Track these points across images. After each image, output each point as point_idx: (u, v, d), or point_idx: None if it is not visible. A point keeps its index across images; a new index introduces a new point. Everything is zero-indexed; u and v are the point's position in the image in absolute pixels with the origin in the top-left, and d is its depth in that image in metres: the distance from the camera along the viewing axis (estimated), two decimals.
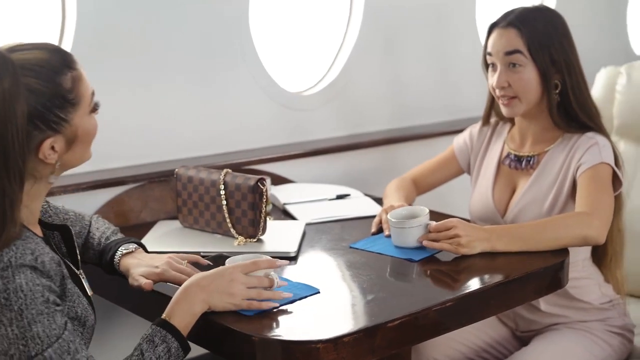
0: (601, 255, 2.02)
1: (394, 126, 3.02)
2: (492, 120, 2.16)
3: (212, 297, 1.42)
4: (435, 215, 1.87)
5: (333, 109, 2.83)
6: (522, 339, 2.06)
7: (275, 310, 1.48)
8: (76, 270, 1.47)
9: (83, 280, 1.48)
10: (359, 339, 1.38)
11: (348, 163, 2.79)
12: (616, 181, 1.91)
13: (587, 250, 2.00)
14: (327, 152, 2.72)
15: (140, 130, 2.36)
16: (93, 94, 1.41)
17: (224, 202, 1.91)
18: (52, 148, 1.34)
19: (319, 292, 1.57)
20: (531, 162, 2.02)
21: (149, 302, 1.60)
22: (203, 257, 1.67)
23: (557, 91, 1.95)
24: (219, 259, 1.64)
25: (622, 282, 2.05)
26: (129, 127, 2.33)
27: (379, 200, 2.28)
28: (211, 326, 1.45)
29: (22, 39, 1.38)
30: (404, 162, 2.74)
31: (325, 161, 2.72)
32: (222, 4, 2.47)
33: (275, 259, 1.52)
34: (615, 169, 1.90)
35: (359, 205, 2.26)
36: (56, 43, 2.19)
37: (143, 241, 1.85)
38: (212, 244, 1.89)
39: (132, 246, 1.65)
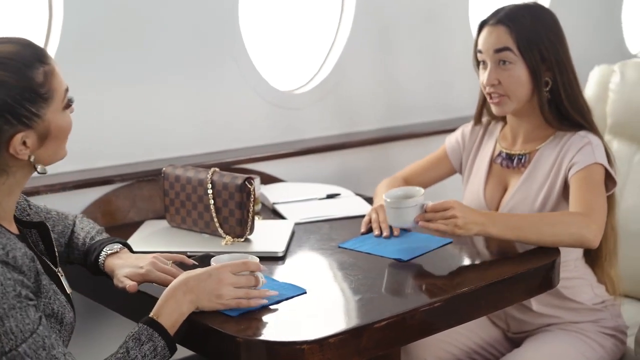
0: (595, 254, 2.01)
1: (386, 125, 3.00)
2: (484, 119, 2.15)
3: (200, 298, 1.41)
4: None
5: (324, 108, 2.81)
6: (514, 341, 2.05)
7: (260, 310, 1.47)
8: (54, 268, 1.45)
9: (62, 278, 1.46)
10: (344, 340, 1.37)
11: (340, 162, 2.78)
12: (610, 181, 1.91)
13: (579, 250, 1.99)
14: (319, 151, 2.70)
15: (129, 128, 2.33)
16: (67, 90, 1.39)
17: (212, 202, 1.89)
18: (24, 143, 1.33)
19: (305, 293, 1.56)
20: (522, 161, 2.01)
21: (134, 302, 1.58)
22: (189, 257, 1.66)
23: (548, 89, 1.94)
24: (205, 259, 1.62)
25: (617, 282, 2.04)
26: (117, 125, 2.31)
27: (369, 200, 2.27)
28: (196, 327, 1.44)
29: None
30: (396, 161, 2.73)
31: (316, 160, 2.71)
32: (212, 2, 2.44)
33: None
34: (610, 169, 1.90)
35: (349, 204, 2.25)
36: (43, 40, 2.19)
37: (130, 241, 1.84)
38: (199, 244, 1.88)
39: (117, 246, 1.63)
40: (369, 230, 1.94)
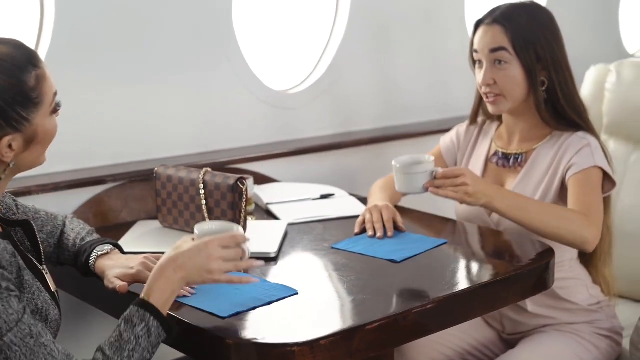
0: (590, 255, 1.99)
1: (382, 125, 2.98)
2: (480, 119, 2.15)
3: (190, 274, 1.39)
4: (422, 216, 1.84)
5: (319, 108, 2.80)
6: (509, 342, 2.03)
7: (251, 311, 1.45)
8: (39, 266, 1.44)
9: (47, 276, 1.45)
10: (336, 342, 1.35)
11: (335, 162, 2.76)
12: (609, 183, 1.91)
13: (574, 251, 1.98)
14: (314, 151, 2.68)
15: (122, 128, 2.31)
16: (55, 94, 1.38)
17: (204, 202, 1.88)
18: (10, 147, 1.31)
19: (297, 294, 1.54)
20: (519, 160, 2.00)
21: (124, 302, 1.56)
22: None
23: (544, 88, 1.93)
24: None
25: (611, 282, 2.03)
26: (110, 125, 2.29)
27: (364, 200, 2.25)
28: (186, 329, 1.42)
29: None
30: (391, 161, 2.71)
31: (311, 160, 2.69)
32: (206, 1, 2.43)
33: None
34: (609, 172, 1.89)
35: (343, 205, 2.23)
36: (34, 40, 2.17)
37: (122, 242, 1.82)
38: None
39: (108, 247, 1.62)
40: (363, 230, 1.93)
